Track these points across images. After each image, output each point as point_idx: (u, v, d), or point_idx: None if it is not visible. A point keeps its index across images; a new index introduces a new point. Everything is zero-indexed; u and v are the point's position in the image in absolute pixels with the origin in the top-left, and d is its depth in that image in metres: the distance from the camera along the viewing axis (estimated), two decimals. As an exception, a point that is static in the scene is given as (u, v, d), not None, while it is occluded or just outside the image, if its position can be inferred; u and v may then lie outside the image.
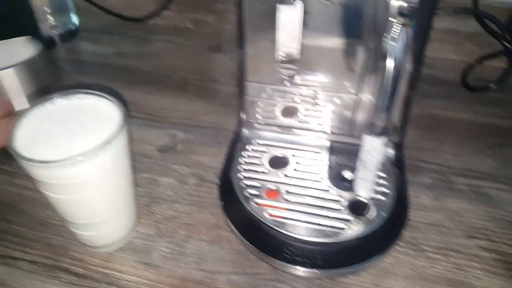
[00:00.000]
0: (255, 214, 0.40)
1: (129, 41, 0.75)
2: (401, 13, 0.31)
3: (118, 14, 0.78)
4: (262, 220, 0.40)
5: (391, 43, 0.32)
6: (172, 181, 0.49)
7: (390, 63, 0.32)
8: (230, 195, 0.43)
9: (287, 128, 0.49)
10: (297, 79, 0.44)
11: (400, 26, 0.32)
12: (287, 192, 0.42)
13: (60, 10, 0.72)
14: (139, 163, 0.51)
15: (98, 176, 0.36)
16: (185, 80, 0.65)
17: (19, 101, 0.48)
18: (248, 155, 0.47)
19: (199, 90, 0.63)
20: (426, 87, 0.63)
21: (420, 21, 0.37)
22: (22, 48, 0.50)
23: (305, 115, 0.47)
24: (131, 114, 0.58)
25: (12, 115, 0.42)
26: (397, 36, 0.32)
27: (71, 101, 0.39)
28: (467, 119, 0.58)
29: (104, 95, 0.39)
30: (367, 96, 0.43)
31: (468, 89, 0.63)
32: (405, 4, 0.30)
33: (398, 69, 0.32)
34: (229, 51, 0.72)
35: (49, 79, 0.51)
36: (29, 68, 0.47)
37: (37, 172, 0.34)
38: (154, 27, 0.79)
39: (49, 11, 0.70)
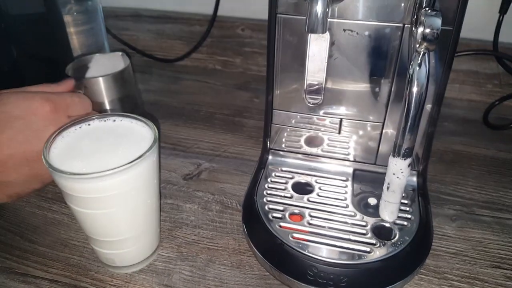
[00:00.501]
0: (278, 236, 0.40)
1: (160, 80, 0.79)
2: (425, 38, 0.32)
3: (150, 55, 0.83)
4: (285, 242, 0.40)
5: (416, 67, 0.33)
6: (196, 207, 0.50)
7: (414, 87, 0.33)
8: (253, 217, 0.43)
9: (311, 156, 0.50)
10: (323, 108, 0.46)
11: (424, 51, 0.33)
12: (311, 216, 0.43)
13: (97, 51, 0.77)
14: (163, 189, 0.52)
15: (126, 192, 0.37)
16: (212, 115, 0.68)
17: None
18: (272, 181, 0.48)
19: (225, 124, 0.65)
20: (448, 125, 0.64)
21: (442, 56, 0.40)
22: (115, 61, 0.58)
23: (329, 143, 0.48)
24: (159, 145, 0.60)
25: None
26: (421, 61, 0.33)
27: (106, 123, 0.41)
28: (489, 155, 0.58)
29: (138, 117, 0.41)
30: (392, 125, 0.44)
31: (490, 127, 0.64)
32: (428, 30, 0.32)
33: (421, 92, 0.33)
34: (255, 89, 0.75)
35: (129, 89, 0.57)
36: (116, 78, 0.55)
37: (68, 184, 0.35)
38: (184, 67, 0.83)
39: (86, 51, 0.75)
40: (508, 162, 0.57)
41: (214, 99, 0.72)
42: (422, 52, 0.33)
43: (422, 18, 0.32)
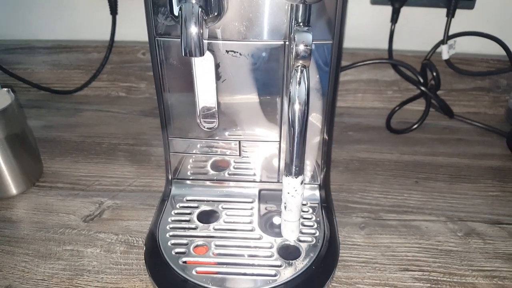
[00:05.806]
0: (181, 274, 0.38)
1: (58, 114, 0.73)
2: (298, 55, 0.32)
3: (47, 88, 0.78)
4: (189, 279, 0.37)
5: (295, 85, 0.33)
6: (98, 251, 0.46)
7: (295, 104, 0.32)
8: (155, 256, 0.40)
9: (216, 181, 0.48)
10: (220, 131, 0.44)
11: (301, 68, 0.33)
12: (216, 245, 0.41)
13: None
14: (61, 235, 0.47)
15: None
16: (115, 146, 0.64)
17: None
18: (176, 213, 0.45)
19: (130, 155, 0.61)
20: (353, 134, 0.66)
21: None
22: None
23: (232, 167, 0.47)
24: (56, 186, 0.55)
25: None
26: (299, 78, 0.33)
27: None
28: (394, 159, 0.60)
29: None
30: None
31: (393, 132, 0.66)
32: (301, 47, 0.32)
33: (303, 109, 0.33)
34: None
35: (16, 128, 0.53)
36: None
37: None
38: (85, 97, 0.78)
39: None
40: (411, 164, 0.59)
41: (118, 129, 0.68)
42: (299, 69, 0.33)
43: (294, 35, 0.32)
